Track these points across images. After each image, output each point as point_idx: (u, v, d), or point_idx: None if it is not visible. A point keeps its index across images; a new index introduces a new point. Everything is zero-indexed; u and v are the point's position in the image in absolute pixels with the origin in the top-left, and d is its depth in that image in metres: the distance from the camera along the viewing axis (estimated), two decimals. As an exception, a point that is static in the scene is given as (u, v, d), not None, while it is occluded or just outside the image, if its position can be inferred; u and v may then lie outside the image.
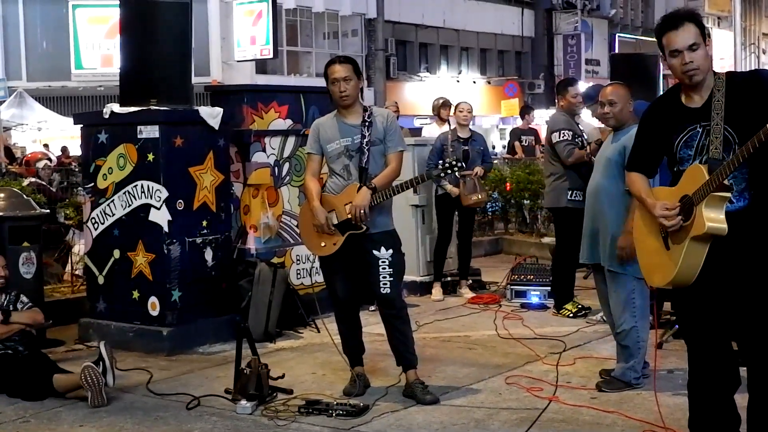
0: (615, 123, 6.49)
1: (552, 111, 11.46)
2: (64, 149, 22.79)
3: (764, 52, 60.77)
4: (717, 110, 4.22)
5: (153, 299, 7.86)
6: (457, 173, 6.77)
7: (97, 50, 27.93)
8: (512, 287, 9.71)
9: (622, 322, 6.34)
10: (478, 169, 9.74)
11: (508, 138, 21.34)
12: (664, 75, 10.15)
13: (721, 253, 4.18)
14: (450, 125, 11.47)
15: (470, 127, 10.19)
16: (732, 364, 4.39)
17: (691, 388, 4.51)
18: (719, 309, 4.30)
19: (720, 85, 4.28)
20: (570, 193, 8.71)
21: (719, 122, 4.21)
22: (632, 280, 6.27)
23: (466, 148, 9.84)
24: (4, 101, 23.77)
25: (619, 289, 6.34)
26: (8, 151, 18.03)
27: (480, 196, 9.92)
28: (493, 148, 23.96)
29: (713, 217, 4.13)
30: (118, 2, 8.44)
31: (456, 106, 10.32)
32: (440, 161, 6.48)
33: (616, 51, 40.22)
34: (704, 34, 4.32)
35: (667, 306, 8.10)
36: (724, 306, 4.29)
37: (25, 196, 8.85)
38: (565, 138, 8.76)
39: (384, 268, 6.14)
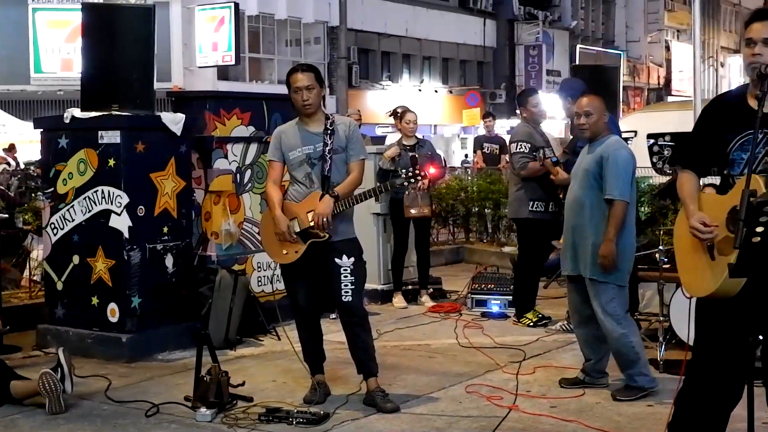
0: (590, 134, 6.55)
1: (513, 121, 11.53)
2: (12, 146, 22.50)
3: (722, 65, 61.63)
4: None
5: (112, 305, 7.80)
6: (418, 179, 6.75)
7: (57, 54, 27.66)
8: (473, 296, 9.75)
9: (610, 332, 6.36)
10: (422, 184, 9.43)
11: (470, 147, 21.38)
12: (624, 87, 10.25)
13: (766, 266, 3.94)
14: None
15: (431, 135, 10.21)
16: (742, 378, 4.15)
17: (690, 398, 4.22)
18: (750, 319, 4.07)
19: None
20: (531, 203, 8.77)
21: None
22: (613, 289, 6.32)
23: (413, 154, 9.85)
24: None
25: (600, 297, 6.36)
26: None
27: (424, 210, 9.96)
28: (466, 156, 23.96)
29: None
30: (80, 6, 8.38)
31: (402, 116, 10.26)
32: (404, 170, 6.48)
33: (577, 62, 40.53)
34: None
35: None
36: (757, 317, 4.07)
37: (-18, 200, 8.76)
38: (520, 150, 8.81)
39: (346, 276, 6.14)
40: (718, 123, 4.22)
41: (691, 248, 4.17)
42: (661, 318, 7.26)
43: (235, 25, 27.67)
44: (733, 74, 59.76)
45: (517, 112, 9.90)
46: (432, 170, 9.52)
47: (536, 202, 8.74)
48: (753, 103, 4.07)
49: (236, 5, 27.69)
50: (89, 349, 7.77)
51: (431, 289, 10.36)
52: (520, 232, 9.27)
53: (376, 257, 10.15)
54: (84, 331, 7.92)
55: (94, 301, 7.88)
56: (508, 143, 9.26)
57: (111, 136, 7.82)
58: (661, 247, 7.19)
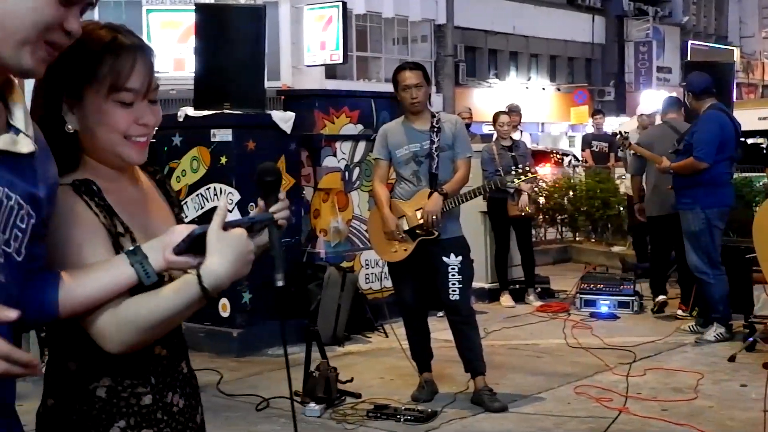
0: None
1: (622, 118, 11.36)
2: None
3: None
4: None
5: (224, 301, 7.94)
6: (530, 175, 6.70)
7: (170, 54, 28.29)
8: (581, 296, 9.63)
9: None
10: (539, 177, 9.67)
11: (578, 145, 21.09)
12: (737, 84, 10.04)
13: None
14: (521, 132, 11.42)
15: (539, 133, 10.17)
16: None
17: None
18: None
19: None
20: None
21: None
22: None
23: (513, 154, 9.81)
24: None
25: None
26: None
27: (529, 209, 9.99)
28: (573, 157, 23.67)
29: None
30: (193, 7, 8.55)
31: (496, 119, 10.20)
32: (513, 167, 6.45)
33: (689, 59, 39.70)
34: None
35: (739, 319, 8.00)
36: None
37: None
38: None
39: (453, 275, 6.14)
40: None
41: None
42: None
43: (343, 24, 27.86)
44: None
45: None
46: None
47: None
48: None
49: (344, 4, 27.88)
50: (200, 343, 7.91)
51: (538, 289, 10.29)
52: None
53: (483, 256, 10.10)
54: (196, 325, 8.06)
55: (206, 296, 8.00)
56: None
57: (223, 135, 7.96)
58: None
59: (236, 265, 1.86)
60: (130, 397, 2.00)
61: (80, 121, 1.97)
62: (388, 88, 6.99)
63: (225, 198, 6.17)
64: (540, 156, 21.50)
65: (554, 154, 23.81)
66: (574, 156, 21.94)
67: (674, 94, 11.16)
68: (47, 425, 2.00)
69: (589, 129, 18.95)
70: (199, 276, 1.83)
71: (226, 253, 1.84)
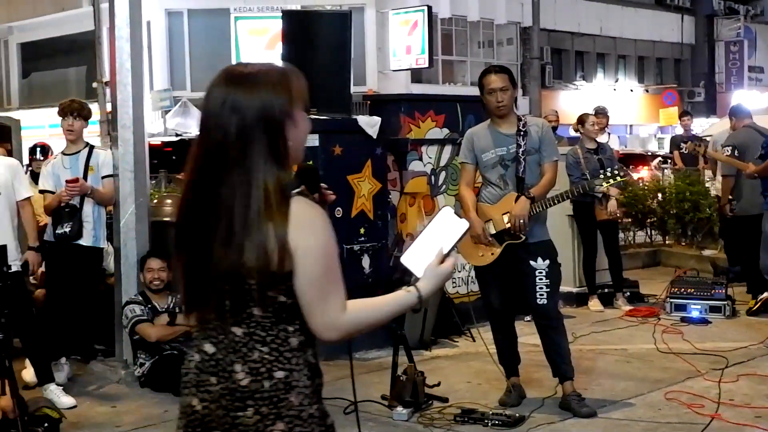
0: None
1: (712, 119, 11.22)
2: None
3: None
4: None
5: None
6: (619, 179, 6.62)
7: (258, 61, 28.63)
8: (672, 300, 9.49)
9: None
10: (629, 177, 9.62)
11: (667, 147, 20.78)
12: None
13: None
14: (609, 135, 11.31)
15: (627, 135, 10.07)
16: None
17: None
18: None
19: None
20: None
21: None
22: None
23: (598, 157, 9.70)
24: (170, 110, 24.63)
25: None
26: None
27: (617, 212, 9.96)
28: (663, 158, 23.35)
29: None
30: (280, 14, 8.65)
31: (584, 121, 10.06)
32: (602, 170, 6.39)
33: (782, 58, 38.85)
34: None
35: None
36: None
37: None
38: None
39: (540, 279, 6.10)
40: None
41: None
42: None
43: (429, 28, 27.87)
44: None
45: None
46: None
47: None
48: None
49: (429, 8, 27.90)
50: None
51: (627, 293, 10.15)
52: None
53: (571, 260, 10.01)
54: (285, 328, 8.13)
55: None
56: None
57: (309, 140, 7.97)
58: None
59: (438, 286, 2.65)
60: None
61: None
62: (474, 91, 6.97)
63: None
64: (635, 160, 21.20)
65: (651, 157, 23.42)
66: (663, 157, 21.57)
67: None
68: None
69: (679, 131, 18.66)
70: (419, 291, 2.61)
71: (438, 282, 2.65)
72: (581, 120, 10.06)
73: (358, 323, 2.50)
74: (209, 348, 2.48)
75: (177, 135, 22.36)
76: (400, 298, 2.59)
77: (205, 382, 2.46)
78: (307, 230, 2.44)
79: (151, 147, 19.76)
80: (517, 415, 5.95)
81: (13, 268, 6.26)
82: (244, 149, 2.41)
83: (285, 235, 2.38)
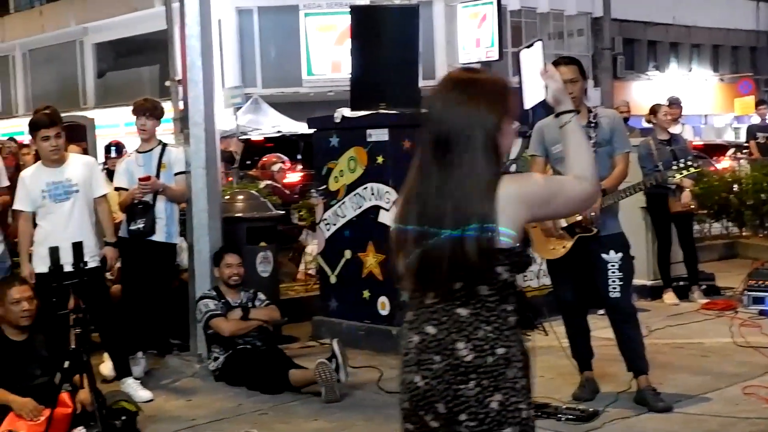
0: None
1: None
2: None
3: None
4: None
5: (383, 299, 8.01)
6: (693, 170, 6.52)
7: (327, 57, 28.78)
8: (750, 293, 9.30)
9: None
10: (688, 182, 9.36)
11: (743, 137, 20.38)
12: None
13: None
14: (683, 125, 11.14)
15: (702, 126, 9.90)
16: None
17: None
18: None
19: None
20: None
21: None
22: None
23: (671, 148, 9.53)
24: (241, 107, 24.86)
25: None
26: (230, 155, 18.55)
27: (691, 204, 9.83)
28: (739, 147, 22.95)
29: None
30: (348, 10, 8.67)
31: (657, 111, 9.94)
32: (675, 161, 6.30)
33: None
34: None
35: None
36: None
37: (261, 198, 9.22)
38: None
39: (613, 272, 6.03)
40: None
41: None
42: None
43: (498, 21, 27.72)
44: None
45: None
46: None
47: None
48: None
49: (498, 1, 27.76)
50: (360, 340, 8.02)
51: (703, 286, 9.99)
52: None
53: (644, 252, 9.86)
54: (356, 323, 8.18)
55: (366, 294, 8.12)
56: None
57: (379, 134, 8.04)
58: None
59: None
60: None
61: None
62: (544, 83, 6.90)
63: None
64: (716, 150, 20.81)
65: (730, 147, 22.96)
66: (738, 146, 21.18)
67: None
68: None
69: (755, 120, 18.31)
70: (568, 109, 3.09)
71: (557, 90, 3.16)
72: (654, 110, 9.93)
73: (590, 164, 2.93)
74: (431, 329, 2.82)
75: (243, 133, 22.45)
76: (576, 126, 3.04)
77: (426, 361, 2.79)
78: (514, 183, 2.83)
79: (253, 143, 19.92)
80: (591, 409, 5.90)
81: (92, 264, 6.37)
82: (467, 149, 2.80)
83: (495, 214, 2.73)
